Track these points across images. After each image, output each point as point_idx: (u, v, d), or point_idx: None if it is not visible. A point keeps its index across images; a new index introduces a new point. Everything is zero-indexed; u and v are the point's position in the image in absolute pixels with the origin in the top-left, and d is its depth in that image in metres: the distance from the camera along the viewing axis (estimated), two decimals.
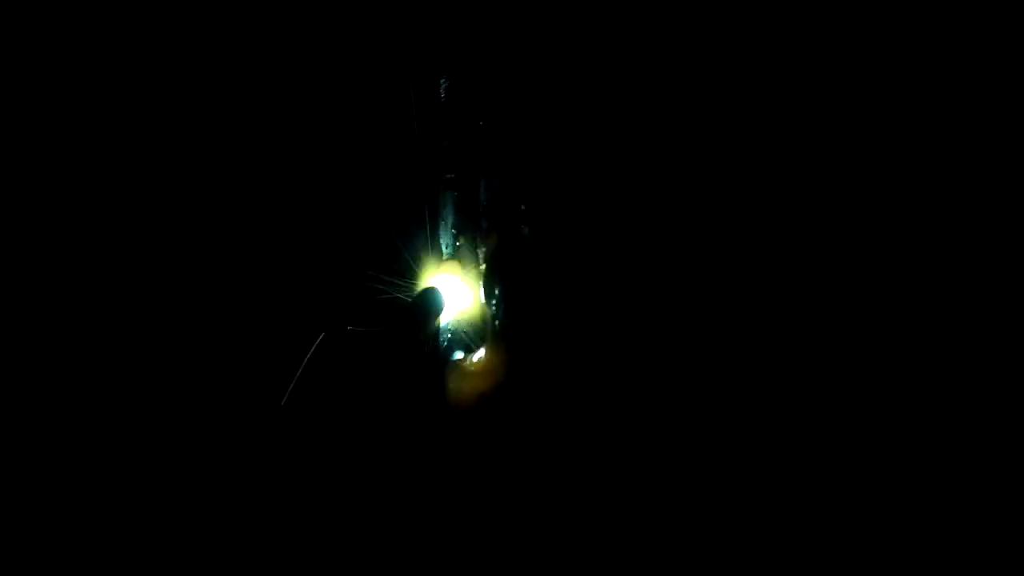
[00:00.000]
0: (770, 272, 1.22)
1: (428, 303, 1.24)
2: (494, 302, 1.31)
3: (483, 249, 1.31)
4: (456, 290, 1.31)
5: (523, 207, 1.30)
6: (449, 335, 1.32)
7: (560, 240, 1.30)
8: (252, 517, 1.20)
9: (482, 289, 1.32)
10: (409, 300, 1.26)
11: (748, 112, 1.23)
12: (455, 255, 1.33)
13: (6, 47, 1.21)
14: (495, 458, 1.28)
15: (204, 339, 1.26)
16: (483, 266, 1.32)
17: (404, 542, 1.22)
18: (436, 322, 1.26)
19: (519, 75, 1.30)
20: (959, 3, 1.14)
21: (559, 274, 1.30)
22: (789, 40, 1.21)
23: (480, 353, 1.31)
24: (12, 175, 1.23)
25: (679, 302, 1.24)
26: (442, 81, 1.30)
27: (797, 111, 1.22)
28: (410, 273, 1.29)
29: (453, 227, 1.32)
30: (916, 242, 1.17)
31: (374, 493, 1.23)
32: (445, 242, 1.33)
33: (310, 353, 1.22)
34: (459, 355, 1.32)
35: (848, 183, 1.20)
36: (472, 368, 1.31)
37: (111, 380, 1.23)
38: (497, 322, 1.31)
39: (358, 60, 1.31)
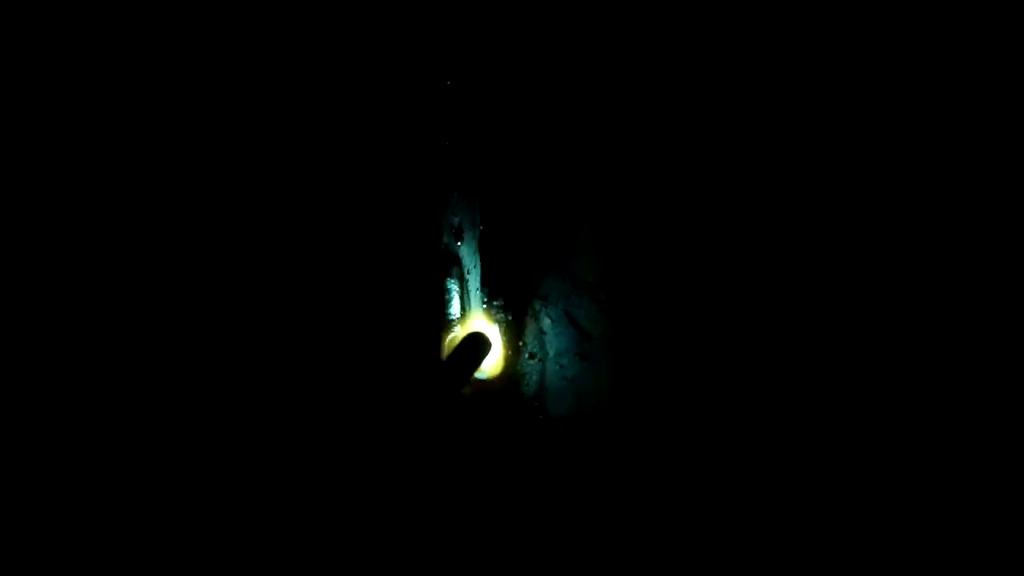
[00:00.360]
0: (770, 272, 1.22)
1: (478, 347, 1.27)
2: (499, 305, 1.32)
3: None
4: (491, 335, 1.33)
5: (523, 207, 1.31)
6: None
7: (562, 240, 1.30)
8: (252, 516, 1.20)
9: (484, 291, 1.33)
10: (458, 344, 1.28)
11: (748, 113, 1.23)
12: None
13: (6, 47, 1.22)
14: (496, 457, 1.28)
15: (207, 340, 1.27)
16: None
17: (404, 541, 1.22)
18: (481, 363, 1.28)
19: (521, 77, 1.31)
20: (959, 3, 1.15)
21: (560, 271, 1.30)
22: (789, 40, 1.22)
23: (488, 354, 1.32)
24: (12, 175, 1.23)
25: (680, 302, 1.24)
26: (447, 83, 1.31)
27: (797, 111, 1.22)
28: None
29: (455, 223, 1.33)
30: (916, 242, 1.17)
31: (375, 492, 1.23)
32: (446, 239, 1.33)
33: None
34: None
35: (848, 183, 1.20)
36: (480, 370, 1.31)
37: (111, 380, 1.24)
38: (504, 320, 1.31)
39: (367, 67, 1.32)
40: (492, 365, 1.33)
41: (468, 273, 1.32)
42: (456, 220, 1.34)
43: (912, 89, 1.17)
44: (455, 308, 1.34)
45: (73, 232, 1.25)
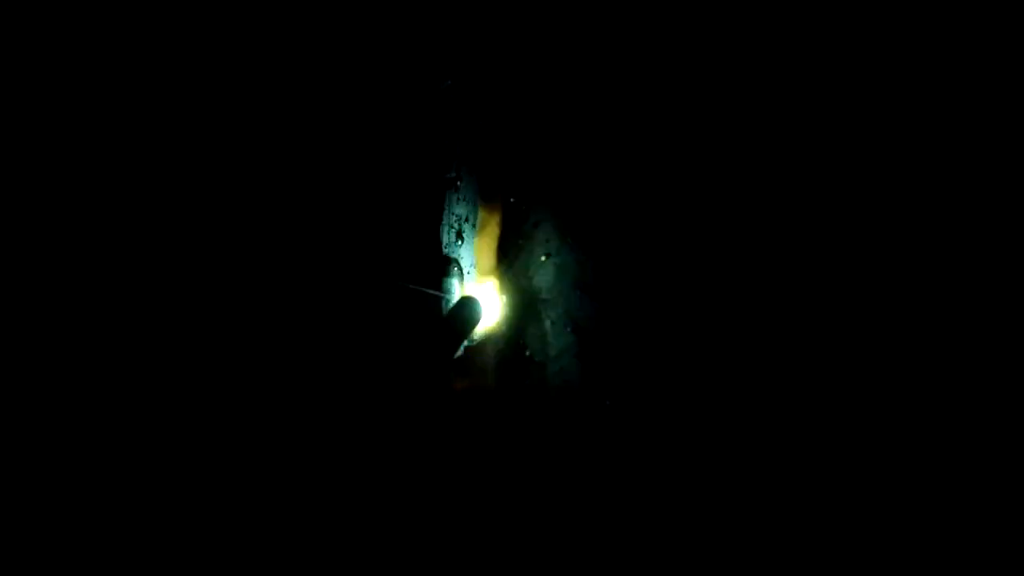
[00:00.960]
0: (770, 272, 1.21)
1: (469, 313, 1.24)
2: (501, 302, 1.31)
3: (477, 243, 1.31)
4: (489, 300, 1.30)
5: (512, 200, 1.29)
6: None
7: (562, 239, 1.30)
8: (252, 516, 1.20)
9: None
10: (447, 309, 1.26)
11: (748, 112, 1.22)
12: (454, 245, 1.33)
13: (6, 47, 1.22)
14: (496, 456, 1.28)
15: (208, 340, 1.26)
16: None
17: (404, 541, 1.22)
18: (473, 332, 1.26)
19: (521, 75, 1.30)
20: (959, 3, 1.14)
21: (560, 272, 1.30)
22: (789, 40, 1.21)
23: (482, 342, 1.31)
24: (13, 175, 1.23)
25: (680, 302, 1.24)
26: (446, 82, 1.30)
27: (797, 111, 1.21)
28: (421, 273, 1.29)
29: (454, 223, 1.32)
30: (916, 242, 1.16)
31: (375, 492, 1.23)
32: (446, 240, 1.33)
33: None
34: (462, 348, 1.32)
35: (848, 183, 1.19)
36: (475, 359, 1.30)
37: (111, 380, 1.24)
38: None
39: (368, 66, 1.31)
40: (487, 350, 1.32)
41: (468, 273, 1.32)
42: (456, 220, 1.33)
43: (912, 89, 1.16)
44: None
45: (71, 233, 1.25)
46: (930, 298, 1.15)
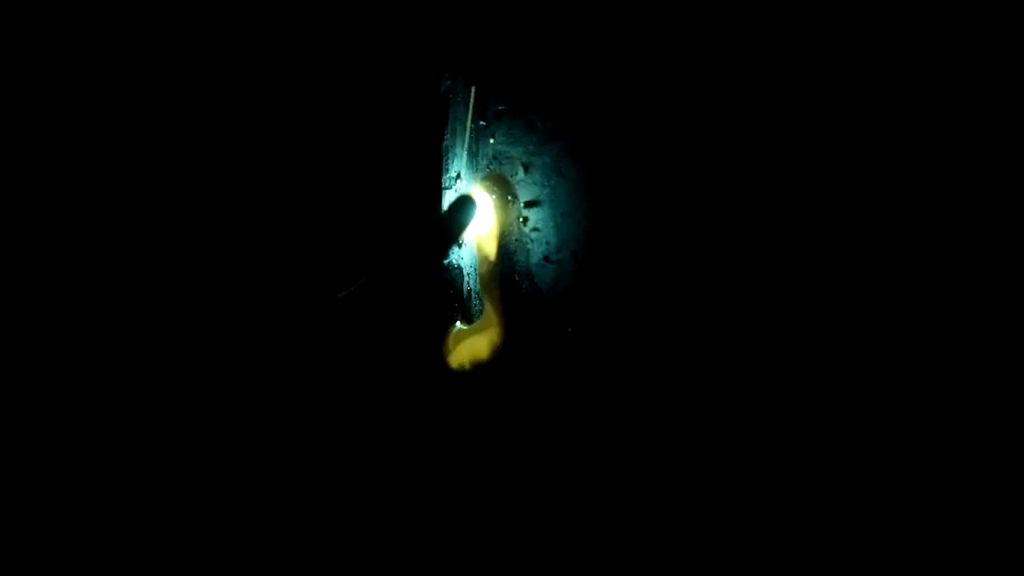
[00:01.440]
0: (770, 272, 1.21)
1: (462, 212, 1.26)
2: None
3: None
4: (483, 207, 1.32)
5: (511, 196, 1.30)
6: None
7: (562, 236, 1.30)
8: (252, 515, 1.20)
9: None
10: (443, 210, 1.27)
11: (748, 112, 1.23)
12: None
13: (6, 47, 1.22)
14: (494, 449, 1.28)
15: (205, 336, 1.26)
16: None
17: (404, 538, 1.22)
18: (464, 233, 1.29)
19: (520, 75, 1.30)
20: (959, 3, 1.15)
21: (559, 270, 1.30)
22: (789, 40, 1.21)
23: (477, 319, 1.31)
24: (12, 175, 1.23)
25: (679, 301, 1.24)
26: (444, 81, 1.30)
27: (797, 111, 1.21)
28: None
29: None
30: (916, 242, 1.16)
31: (374, 488, 1.23)
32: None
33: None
34: (458, 324, 1.31)
35: (848, 183, 1.19)
36: (470, 335, 1.30)
37: (111, 380, 1.23)
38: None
39: (360, 60, 1.31)
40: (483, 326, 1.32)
41: (468, 274, 1.32)
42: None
43: (912, 89, 1.17)
44: (455, 308, 1.33)
45: (72, 232, 1.25)
46: (927, 299, 1.15)
